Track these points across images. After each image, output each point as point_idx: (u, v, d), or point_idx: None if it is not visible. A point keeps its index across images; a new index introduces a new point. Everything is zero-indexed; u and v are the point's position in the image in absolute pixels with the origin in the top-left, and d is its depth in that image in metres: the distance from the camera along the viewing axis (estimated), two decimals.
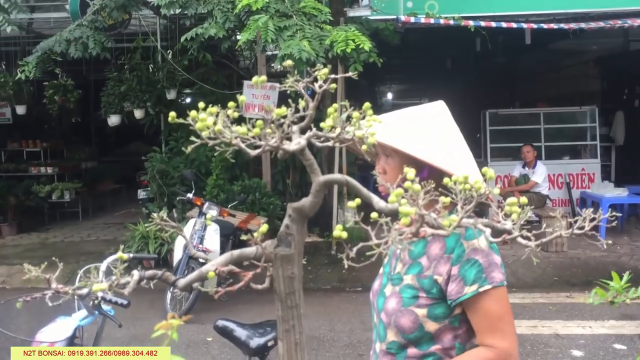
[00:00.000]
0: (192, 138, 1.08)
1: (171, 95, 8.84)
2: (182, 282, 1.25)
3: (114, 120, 9.16)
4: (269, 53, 7.97)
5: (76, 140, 13.83)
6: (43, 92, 9.29)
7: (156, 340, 1.11)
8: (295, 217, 1.19)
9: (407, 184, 0.96)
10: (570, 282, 7.10)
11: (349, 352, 5.21)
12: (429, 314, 1.66)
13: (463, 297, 1.62)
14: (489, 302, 1.62)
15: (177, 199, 7.83)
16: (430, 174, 1.62)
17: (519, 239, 1.09)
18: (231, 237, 6.74)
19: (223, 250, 6.58)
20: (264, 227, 1.15)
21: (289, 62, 1.26)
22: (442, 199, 1.06)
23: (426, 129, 1.71)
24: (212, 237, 6.29)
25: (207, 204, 6.55)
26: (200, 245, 6.15)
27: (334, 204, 8.11)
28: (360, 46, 5.64)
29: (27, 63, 7.03)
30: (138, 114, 8.98)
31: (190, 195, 6.67)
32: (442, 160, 1.62)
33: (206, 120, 1.02)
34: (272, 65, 7.84)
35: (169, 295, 6.10)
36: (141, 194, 9.23)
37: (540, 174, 8.75)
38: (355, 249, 1.03)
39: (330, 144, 1.15)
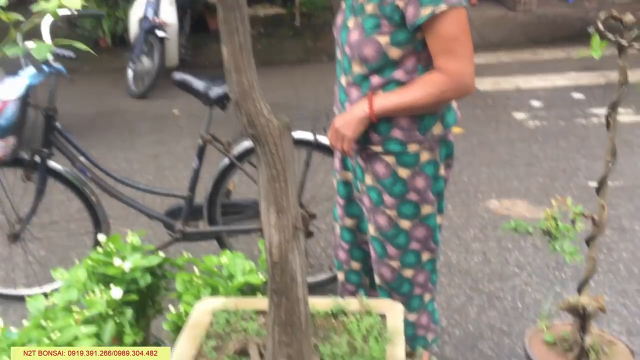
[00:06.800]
0: None
1: None
2: None
3: None
4: None
5: None
6: None
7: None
8: None
9: None
10: (536, 40, 7.11)
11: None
12: (392, 41, 1.65)
13: (419, 21, 1.59)
14: (443, 24, 1.59)
15: None
16: None
17: None
18: (189, 8, 6.41)
19: (181, 22, 6.30)
20: None
21: None
22: None
23: None
24: (168, 9, 5.96)
25: None
26: (156, 19, 5.82)
27: None
28: None
29: None
30: None
31: None
32: None
33: None
34: None
35: (130, 73, 5.95)
36: None
37: None
38: None
39: None
